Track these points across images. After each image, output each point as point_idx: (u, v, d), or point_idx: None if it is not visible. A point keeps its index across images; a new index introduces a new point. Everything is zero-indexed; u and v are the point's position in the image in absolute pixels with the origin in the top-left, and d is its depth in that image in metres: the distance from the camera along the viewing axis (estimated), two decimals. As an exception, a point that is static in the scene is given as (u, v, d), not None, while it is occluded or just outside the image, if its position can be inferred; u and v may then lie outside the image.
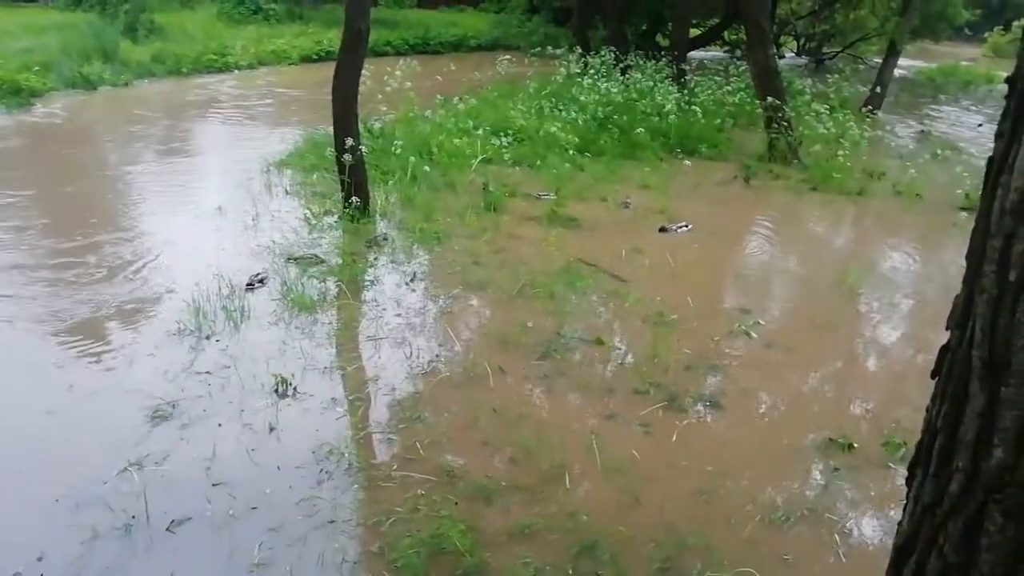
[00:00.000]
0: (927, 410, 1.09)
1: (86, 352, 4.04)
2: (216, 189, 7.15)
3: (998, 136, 1.01)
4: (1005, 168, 0.96)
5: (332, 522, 2.86)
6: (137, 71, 12.87)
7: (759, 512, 3.05)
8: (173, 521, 2.81)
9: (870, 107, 11.45)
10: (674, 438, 3.52)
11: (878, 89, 12.47)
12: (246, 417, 3.48)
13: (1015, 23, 23.70)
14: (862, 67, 17.04)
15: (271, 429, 3.40)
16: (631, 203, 7.18)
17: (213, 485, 3.02)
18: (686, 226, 6.54)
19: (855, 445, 3.51)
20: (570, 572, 2.67)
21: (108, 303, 4.61)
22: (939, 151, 9.08)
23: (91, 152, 8.70)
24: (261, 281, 4.98)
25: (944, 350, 1.07)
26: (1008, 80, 1.01)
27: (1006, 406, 0.91)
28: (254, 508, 2.91)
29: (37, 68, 11.17)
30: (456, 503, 2.97)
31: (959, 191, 7.57)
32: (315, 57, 16.00)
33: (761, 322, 4.78)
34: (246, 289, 4.83)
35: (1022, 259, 0.90)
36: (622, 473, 3.21)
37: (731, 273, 6.12)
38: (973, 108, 15.79)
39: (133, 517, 2.81)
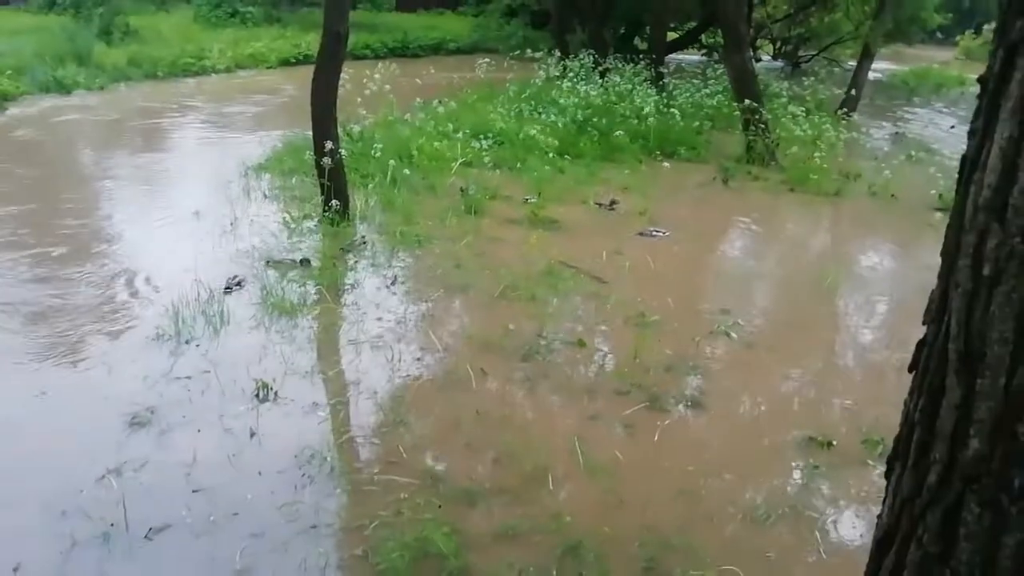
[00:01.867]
0: (905, 404, 1.11)
1: (65, 359, 3.98)
2: (194, 193, 7.09)
3: (971, 134, 1.04)
4: (978, 165, 0.98)
5: (315, 527, 2.84)
6: (112, 75, 12.73)
7: (741, 511, 3.07)
8: (152, 528, 2.77)
9: (845, 109, 11.58)
10: (656, 438, 3.54)
11: (853, 92, 12.64)
12: (226, 422, 3.44)
13: (985, 27, 24.13)
14: (837, 70, 17.23)
15: (252, 434, 3.37)
16: (618, 204, 7.17)
17: (193, 491, 2.98)
18: (663, 232, 6.53)
19: (834, 443, 3.54)
20: (554, 573, 2.67)
21: (85, 310, 4.55)
22: (913, 152, 9.23)
23: (66, 157, 8.59)
24: (239, 284, 4.94)
25: (921, 345, 1.09)
26: (980, 80, 1.03)
27: (982, 398, 0.93)
28: (235, 514, 2.88)
29: (9, 72, 11.02)
30: (439, 506, 2.96)
31: (933, 192, 7.69)
32: (293, 60, 15.93)
33: (741, 323, 4.82)
34: (224, 292, 4.79)
35: (995, 254, 0.92)
36: (605, 474, 3.22)
37: (711, 274, 6.17)
38: (946, 110, 16.06)
39: (112, 525, 2.77)
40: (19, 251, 5.48)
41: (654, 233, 6.49)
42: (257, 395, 3.66)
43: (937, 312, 1.04)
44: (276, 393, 3.68)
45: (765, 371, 4.33)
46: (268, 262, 5.33)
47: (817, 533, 2.99)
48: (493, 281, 5.18)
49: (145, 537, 2.74)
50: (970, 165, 1.01)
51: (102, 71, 12.60)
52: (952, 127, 13.44)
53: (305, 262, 5.35)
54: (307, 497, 2.99)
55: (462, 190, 6.92)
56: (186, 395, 3.63)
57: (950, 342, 0.98)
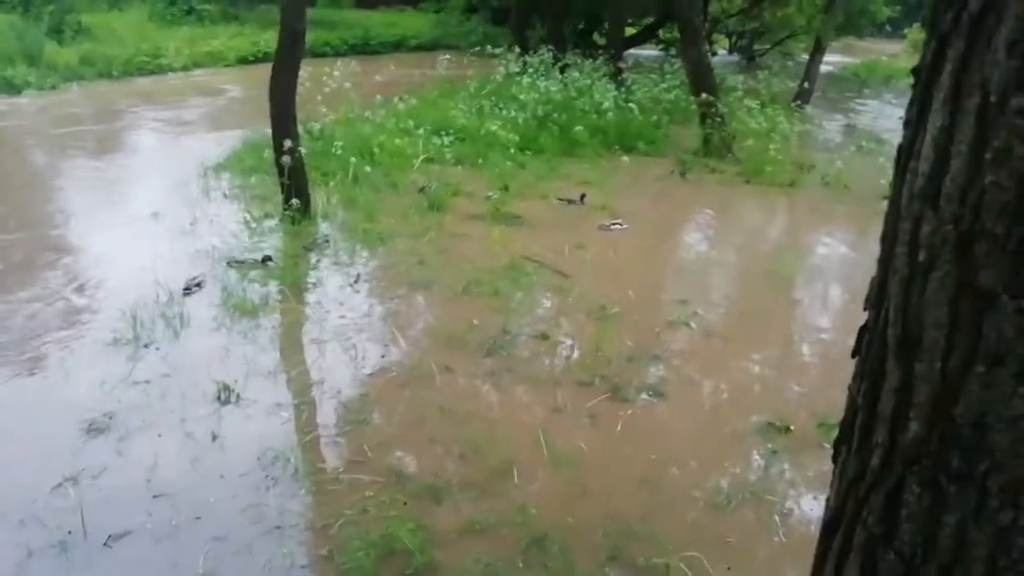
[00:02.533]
0: (849, 389, 1.12)
1: (18, 366, 3.86)
2: (152, 195, 6.93)
3: (905, 124, 1.05)
4: (912, 154, 0.99)
5: (279, 528, 2.80)
6: (64, 74, 12.36)
7: (702, 497, 3.11)
8: (111, 536, 2.71)
9: (799, 102, 11.80)
10: (619, 428, 3.56)
11: (806, 84, 12.84)
12: (188, 426, 3.38)
13: (931, 20, 24.65)
14: (791, 63, 17.52)
15: (214, 437, 3.31)
16: (586, 198, 7.09)
17: (154, 497, 2.92)
18: (620, 224, 6.52)
19: (792, 428, 3.60)
20: (520, 565, 2.67)
21: (39, 315, 4.42)
22: (864, 143, 9.42)
23: (15, 159, 8.33)
24: (198, 285, 4.86)
25: (863, 330, 1.11)
26: (913, 71, 1.05)
27: (920, 381, 0.95)
28: (198, 518, 2.83)
29: (-46, 72, 10.64)
30: (405, 503, 2.94)
31: (883, 181, 7.83)
32: (252, 58, 15.62)
33: (700, 313, 4.87)
34: (183, 294, 4.70)
35: (930, 240, 0.93)
36: (570, 465, 3.24)
37: (671, 266, 6.23)
38: (895, 101, 16.40)
39: (69, 533, 2.70)
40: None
41: (613, 227, 6.50)
42: (219, 397, 3.60)
43: (876, 298, 1.05)
44: (238, 395, 3.63)
45: (724, 359, 4.39)
46: (230, 262, 5.24)
47: (777, 517, 3.04)
48: (456, 277, 5.16)
49: (104, 544, 2.68)
50: (905, 154, 1.03)
51: (53, 70, 12.21)
52: (901, 118, 13.73)
53: (267, 259, 5.27)
54: (271, 499, 2.95)
55: (421, 189, 6.87)
56: (145, 399, 3.56)
57: (889, 327, 0.99)
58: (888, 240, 1.00)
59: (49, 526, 2.72)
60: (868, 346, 1.05)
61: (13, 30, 13.03)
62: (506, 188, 7.13)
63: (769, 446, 3.50)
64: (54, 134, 9.39)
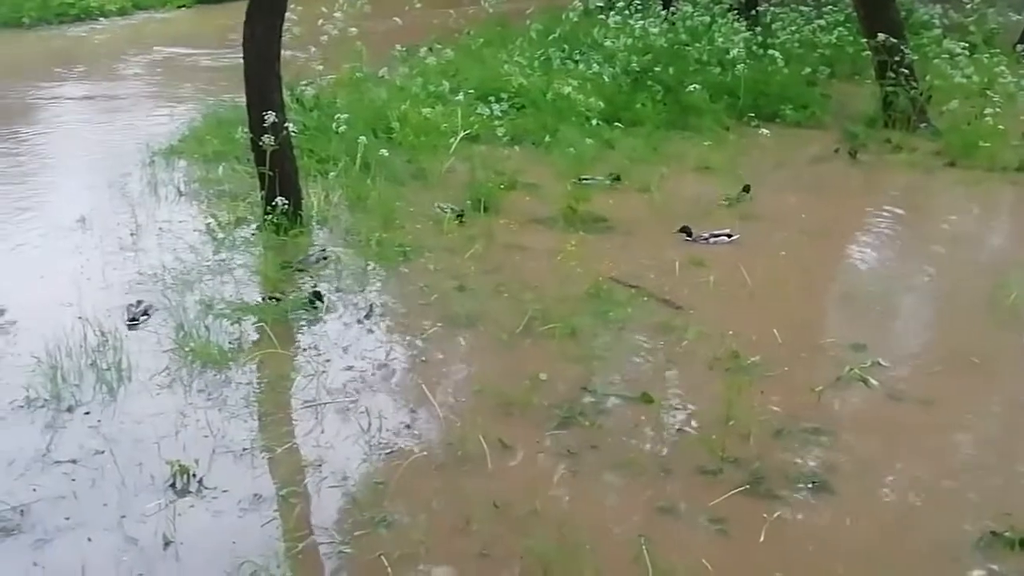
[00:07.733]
0: None
1: None
2: (78, 192, 7.18)
3: None
4: None
5: None
6: (-41, 24, 13.00)
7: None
8: None
9: (1029, 43, 11.57)
10: (762, 538, 3.51)
11: (1040, 17, 12.59)
12: (129, 526, 3.46)
13: None
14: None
15: (167, 543, 3.38)
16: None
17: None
18: (727, 235, 6.44)
19: (1030, 540, 3.51)
20: None
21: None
22: None
23: None
24: (146, 313, 5.04)
25: None
26: None
27: None
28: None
29: None
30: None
31: None
32: (216, -5, 16.16)
33: (883, 363, 4.78)
34: (128, 326, 4.88)
35: None
36: (687, 592, 3.20)
37: (836, 292, 6.14)
38: None
39: None
40: None
41: (713, 239, 6.40)
42: (173, 485, 3.68)
43: None
44: (200, 482, 3.70)
45: (921, 434, 4.30)
46: (186, 290, 5.36)
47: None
48: (514, 310, 5.19)
49: None
50: None
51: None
52: None
53: (316, 297, 5.28)
54: (248, 636, 3.00)
55: (460, 215, 6.57)
56: (70, 487, 3.66)
57: None
58: None
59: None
60: None
61: None
62: (617, 178, 7.35)
63: (994, 567, 3.40)
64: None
